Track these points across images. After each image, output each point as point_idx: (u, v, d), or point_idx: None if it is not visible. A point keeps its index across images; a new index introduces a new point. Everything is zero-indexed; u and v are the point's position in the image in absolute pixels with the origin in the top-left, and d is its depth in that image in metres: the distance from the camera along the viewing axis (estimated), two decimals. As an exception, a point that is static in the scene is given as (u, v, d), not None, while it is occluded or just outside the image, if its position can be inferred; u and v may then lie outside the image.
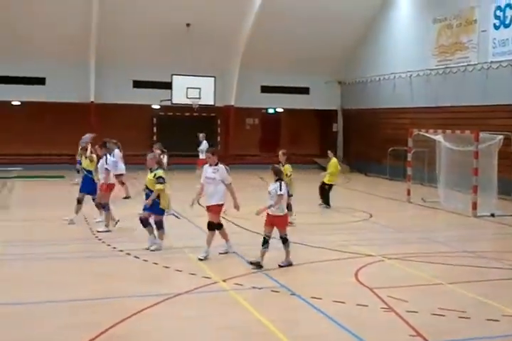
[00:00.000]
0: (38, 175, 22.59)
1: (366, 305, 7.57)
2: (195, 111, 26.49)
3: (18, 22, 24.00)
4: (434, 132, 17.44)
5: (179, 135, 28.38)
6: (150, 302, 7.50)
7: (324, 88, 29.83)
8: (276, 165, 10.17)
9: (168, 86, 24.56)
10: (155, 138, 29.23)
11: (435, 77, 22.98)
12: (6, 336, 6.42)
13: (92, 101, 26.42)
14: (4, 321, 6.86)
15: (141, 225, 10.54)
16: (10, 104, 26.91)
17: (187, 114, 28.56)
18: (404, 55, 24.91)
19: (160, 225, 10.57)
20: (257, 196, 19.42)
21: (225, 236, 10.46)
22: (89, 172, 13.14)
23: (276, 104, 30.44)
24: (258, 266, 9.32)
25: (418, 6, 24.44)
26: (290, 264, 9.54)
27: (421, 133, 17.85)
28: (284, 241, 9.56)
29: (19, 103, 27.00)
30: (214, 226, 10.14)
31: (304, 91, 29.86)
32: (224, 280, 8.61)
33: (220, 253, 10.32)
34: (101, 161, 12.75)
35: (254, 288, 8.27)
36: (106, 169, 12.49)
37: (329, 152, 17.02)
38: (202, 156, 20.70)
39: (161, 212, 10.57)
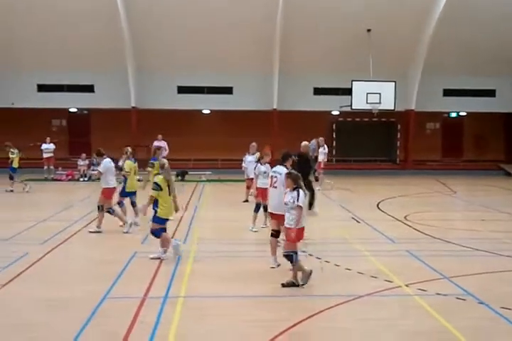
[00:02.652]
0: (225, 179, 24.03)
1: None
2: (374, 117, 26.42)
3: (205, 37, 25.70)
4: None
5: (358, 140, 28.52)
6: (332, 303, 7.68)
7: (512, 90, 28.23)
8: (294, 172, 8.99)
9: (347, 92, 24.78)
10: (334, 143, 29.59)
11: None
12: (192, 327, 6.91)
13: (274, 109, 27.44)
14: (193, 313, 7.37)
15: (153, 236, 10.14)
16: (201, 113, 28.85)
17: (366, 119, 28.57)
18: None
19: (154, 234, 9.97)
20: (439, 202, 19.00)
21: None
22: None
23: (459, 108, 29.38)
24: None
25: None
26: (293, 284, 8.43)
27: None
28: (288, 258, 8.43)
29: (209, 111, 28.83)
30: None
31: (490, 93, 28.51)
32: (407, 285, 8.54)
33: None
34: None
35: (438, 294, 8.12)
36: (99, 171, 12.77)
37: None
38: (319, 159, 21.32)
39: (157, 220, 9.90)
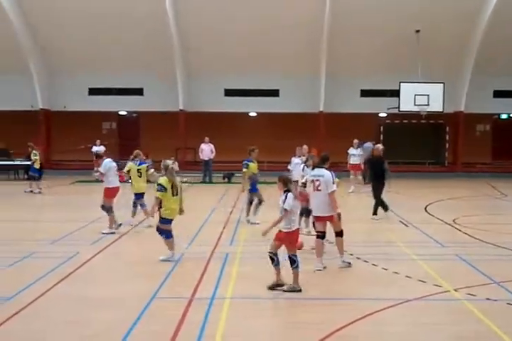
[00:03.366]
0: (271, 181, 23.97)
1: None
2: (422, 118, 26.08)
3: (252, 40, 25.84)
4: None
5: (406, 142, 28.19)
6: (380, 306, 7.62)
7: None
8: (285, 174, 9.00)
9: (395, 93, 24.54)
10: (381, 146, 29.26)
11: None
12: (239, 328, 6.95)
13: (321, 111, 27.37)
14: (239, 314, 7.41)
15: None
16: (247, 115, 29.00)
17: (414, 121, 28.23)
18: None
19: (160, 233, 10.16)
20: (488, 205, 18.62)
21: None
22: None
23: (510, 109, 28.76)
24: (277, 286, 8.40)
25: None
26: (295, 290, 8.27)
27: None
28: (291, 262, 8.32)
29: (255, 114, 28.96)
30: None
31: (542, 94, 27.81)
32: (456, 290, 8.41)
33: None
34: None
35: (488, 299, 7.97)
36: (100, 173, 12.95)
37: None
38: (352, 161, 21.42)
39: (162, 221, 10.07)
